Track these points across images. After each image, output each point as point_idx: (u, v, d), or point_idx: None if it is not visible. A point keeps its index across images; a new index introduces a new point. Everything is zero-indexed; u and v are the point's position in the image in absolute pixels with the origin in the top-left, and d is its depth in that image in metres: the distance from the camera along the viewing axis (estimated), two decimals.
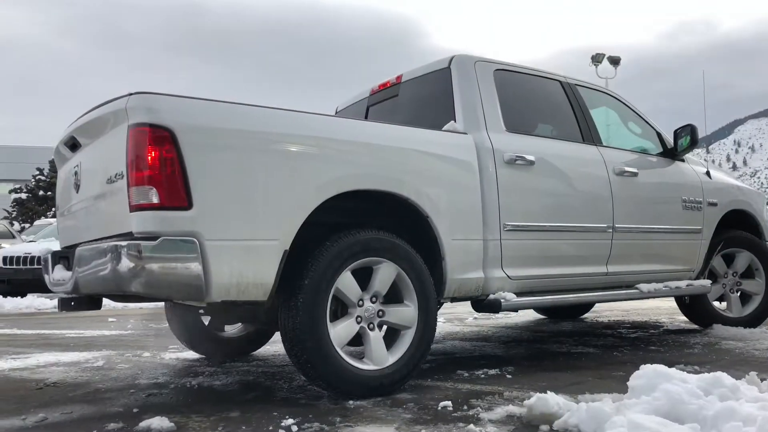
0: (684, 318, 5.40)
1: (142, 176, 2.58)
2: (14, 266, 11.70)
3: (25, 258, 11.66)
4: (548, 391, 2.76)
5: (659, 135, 4.81)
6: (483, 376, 3.49)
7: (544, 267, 3.84)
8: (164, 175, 2.58)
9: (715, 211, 4.89)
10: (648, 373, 2.48)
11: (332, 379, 2.95)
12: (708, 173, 4.95)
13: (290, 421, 2.57)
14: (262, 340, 4.52)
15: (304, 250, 2.94)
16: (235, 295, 2.74)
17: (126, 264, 2.52)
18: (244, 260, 2.72)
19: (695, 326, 5.22)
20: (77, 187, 3.24)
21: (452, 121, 3.69)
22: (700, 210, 4.76)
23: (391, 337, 3.21)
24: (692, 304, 5.01)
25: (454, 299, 3.57)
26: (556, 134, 4.26)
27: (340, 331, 2.99)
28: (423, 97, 4.12)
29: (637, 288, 4.26)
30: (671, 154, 4.76)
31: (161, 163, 2.57)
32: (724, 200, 4.99)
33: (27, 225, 26.03)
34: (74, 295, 3.03)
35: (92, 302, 3.10)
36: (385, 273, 3.15)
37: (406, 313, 3.21)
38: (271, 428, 2.51)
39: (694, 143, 4.60)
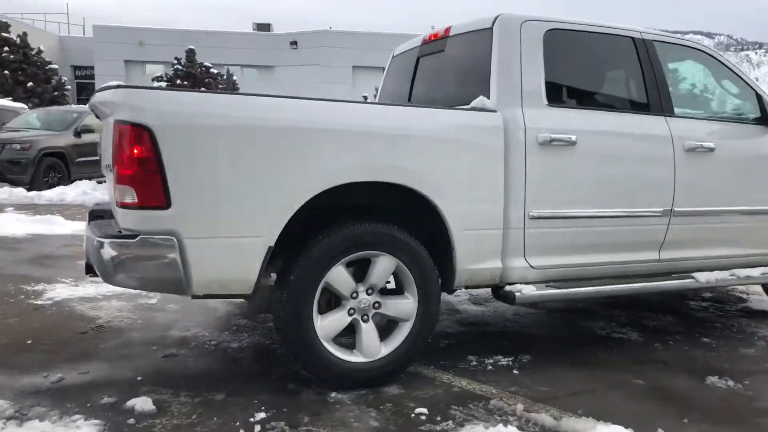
0: None
1: (124, 176, 2.63)
2: None
3: None
4: (532, 412, 2.67)
5: (759, 98, 4.10)
6: (490, 368, 3.39)
7: (575, 255, 3.55)
8: (142, 176, 2.61)
9: None
10: None
11: (317, 371, 3.01)
12: None
13: (261, 415, 2.71)
14: None
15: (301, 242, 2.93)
16: (217, 290, 2.81)
17: (109, 260, 2.65)
18: (226, 257, 2.76)
19: None
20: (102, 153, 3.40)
21: (481, 97, 3.36)
22: None
23: (387, 329, 3.18)
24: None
25: (468, 287, 3.43)
26: (613, 105, 3.77)
27: (328, 324, 3.00)
28: (465, 59, 3.76)
29: (693, 277, 3.83)
30: None
31: (140, 163, 2.61)
32: None
33: None
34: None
35: None
36: (383, 266, 3.07)
37: (404, 305, 3.14)
38: (238, 423, 2.64)
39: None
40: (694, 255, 3.89)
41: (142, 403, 2.76)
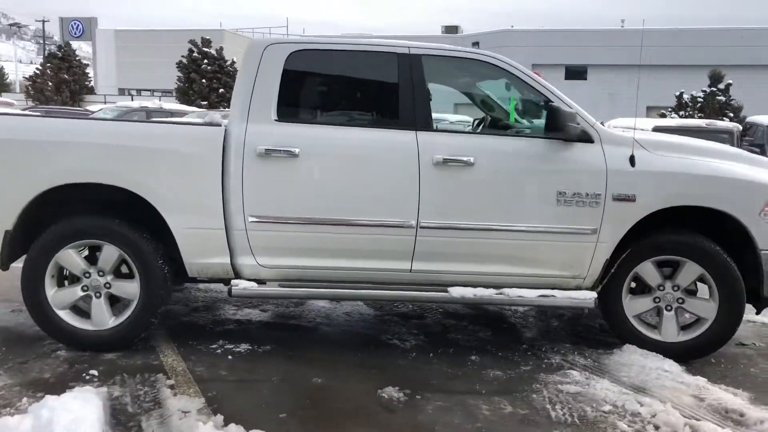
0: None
1: None
2: None
3: None
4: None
5: (552, 111, 3.89)
6: (218, 351, 3.87)
7: (309, 258, 3.82)
8: None
9: (631, 208, 3.85)
10: None
11: (55, 335, 3.79)
12: (632, 158, 3.85)
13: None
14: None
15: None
16: None
17: None
18: None
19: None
20: None
21: (213, 113, 3.84)
22: (595, 206, 3.82)
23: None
24: (606, 312, 4.14)
25: (203, 280, 3.93)
26: (353, 120, 3.94)
27: (60, 295, 3.76)
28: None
29: (447, 291, 3.85)
30: (565, 133, 3.85)
31: None
32: (657, 193, 3.86)
33: None
34: None
35: None
36: (107, 253, 3.74)
37: (129, 287, 3.77)
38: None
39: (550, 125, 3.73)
40: (452, 269, 3.87)
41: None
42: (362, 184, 3.79)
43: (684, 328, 4.03)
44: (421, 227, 3.79)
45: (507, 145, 3.94)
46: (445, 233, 3.82)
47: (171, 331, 4.17)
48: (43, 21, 60.72)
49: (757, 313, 4.23)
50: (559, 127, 3.72)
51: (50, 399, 2.56)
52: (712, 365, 3.94)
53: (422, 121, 3.83)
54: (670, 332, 3.98)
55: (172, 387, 3.31)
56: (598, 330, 4.52)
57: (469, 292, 3.84)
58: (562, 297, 3.89)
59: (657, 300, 3.99)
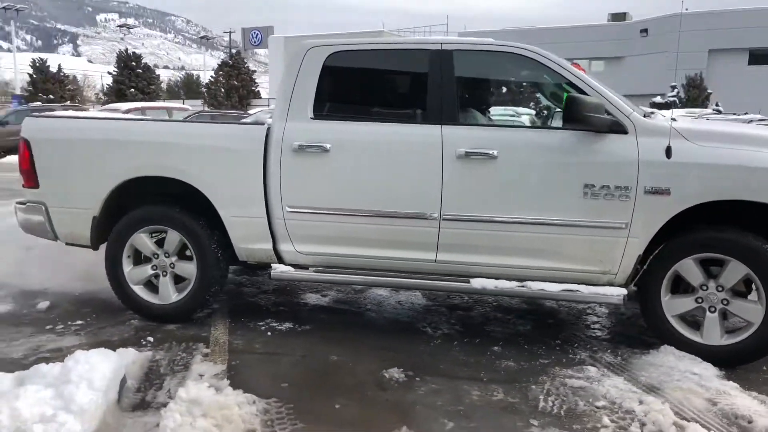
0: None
1: (21, 168, 4.49)
2: None
3: None
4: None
5: (570, 102, 3.76)
6: (264, 329, 4.28)
7: (341, 247, 4.09)
8: (26, 169, 4.44)
9: (666, 202, 3.65)
10: None
11: (131, 307, 4.44)
12: (668, 149, 3.64)
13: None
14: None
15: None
16: (72, 240, 4.49)
17: (18, 216, 4.57)
18: (71, 220, 4.41)
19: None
20: None
21: (259, 112, 4.24)
22: (626, 199, 3.68)
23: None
24: (644, 310, 3.95)
25: (252, 263, 4.36)
26: (384, 116, 4.10)
27: (134, 273, 4.39)
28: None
29: (468, 282, 3.92)
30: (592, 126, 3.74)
31: (24, 161, 4.43)
32: (695, 186, 3.62)
33: None
34: None
35: None
36: (171, 237, 4.31)
37: (188, 268, 4.32)
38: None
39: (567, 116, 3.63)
40: (476, 261, 3.93)
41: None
42: (388, 177, 3.98)
43: (730, 331, 3.74)
44: (444, 219, 3.91)
45: (532, 138, 3.92)
46: (468, 225, 3.90)
47: (232, 310, 4.67)
48: (230, 32, 67.06)
49: None
50: (578, 118, 3.64)
51: (79, 353, 3.08)
52: (761, 372, 3.63)
53: (448, 115, 3.94)
54: (712, 335, 3.72)
55: (206, 355, 3.77)
56: (644, 329, 4.29)
57: (490, 284, 3.90)
58: (587, 292, 3.81)
59: (699, 300, 3.75)
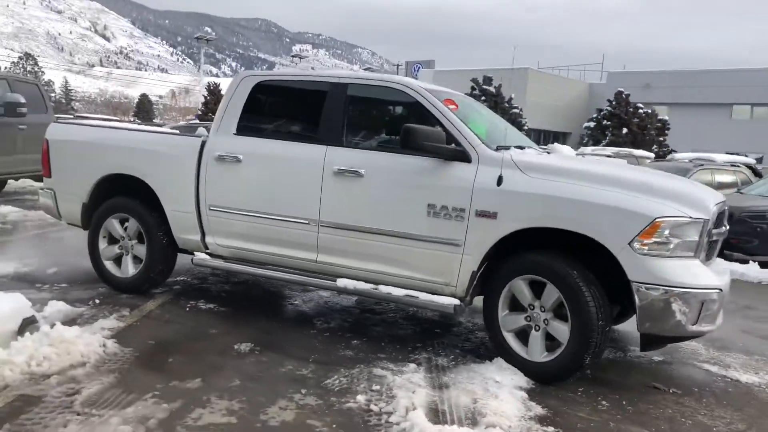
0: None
1: (42, 161, 5.83)
2: None
3: None
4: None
5: (405, 131, 4.19)
6: (201, 306, 5.17)
7: (247, 242, 4.90)
8: (44, 162, 5.76)
9: (494, 225, 4.03)
10: None
11: (102, 278, 5.56)
12: (500, 178, 4.03)
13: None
14: None
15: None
16: (70, 221, 5.74)
17: (39, 198, 5.91)
18: (69, 204, 5.66)
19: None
20: None
21: (201, 127, 5.20)
22: (461, 220, 4.12)
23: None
24: (485, 323, 4.28)
25: (189, 250, 5.28)
26: (287, 135, 4.85)
27: (107, 251, 5.52)
28: None
29: (334, 281, 4.53)
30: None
31: (44, 156, 5.76)
32: (518, 212, 3.98)
33: None
34: None
35: None
36: (131, 224, 5.39)
37: (140, 249, 5.36)
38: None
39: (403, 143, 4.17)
40: (345, 263, 4.54)
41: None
42: (283, 186, 4.74)
43: (551, 350, 4.00)
44: (321, 225, 4.58)
45: (393, 160, 4.47)
46: (339, 232, 4.54)
47: (185, 291, 5.62)
48: (398, 65, 70.42)
49: (641, 350, 3.91)
50: (414, 146, 4.17)
51: None
52: (567, 390, 3.86)
53: (334, 137, 4.63)
54: (535, 352, 4.02)
55: (122, 317, 4.71)
56: None
57: (350, 284, 4.49)
58: (424, 299, 4.27)
59: (528, 319, 4.06)
